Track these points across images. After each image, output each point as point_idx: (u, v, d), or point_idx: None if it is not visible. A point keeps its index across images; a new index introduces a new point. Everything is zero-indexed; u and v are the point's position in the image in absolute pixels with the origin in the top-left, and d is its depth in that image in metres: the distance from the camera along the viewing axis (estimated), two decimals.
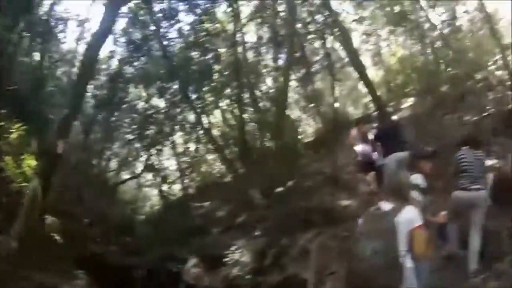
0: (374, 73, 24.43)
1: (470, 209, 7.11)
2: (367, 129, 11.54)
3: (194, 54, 20.88)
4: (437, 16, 20.45)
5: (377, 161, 10.35)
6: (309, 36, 20.76)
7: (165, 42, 19.16)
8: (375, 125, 12.07)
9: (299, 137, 21.90)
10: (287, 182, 15.14)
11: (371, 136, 10.95)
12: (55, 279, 10.22)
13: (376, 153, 10.56)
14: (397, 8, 20.81)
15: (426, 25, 20.26)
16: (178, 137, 26.52)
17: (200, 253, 13.44)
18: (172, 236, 16.02)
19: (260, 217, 14.33)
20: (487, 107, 13.29)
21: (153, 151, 24.91)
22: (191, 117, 23.05)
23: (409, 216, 4.73)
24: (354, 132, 11.85)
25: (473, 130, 11.28)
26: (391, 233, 4.56)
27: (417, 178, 6.78)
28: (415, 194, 6.53)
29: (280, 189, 15.14)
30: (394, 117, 16.05)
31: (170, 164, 27.89)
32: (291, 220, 12.40)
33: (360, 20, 22.48)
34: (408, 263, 4.59)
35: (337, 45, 21.60)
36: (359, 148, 11.36)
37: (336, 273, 8.80)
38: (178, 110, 22.76)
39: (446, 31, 20.24)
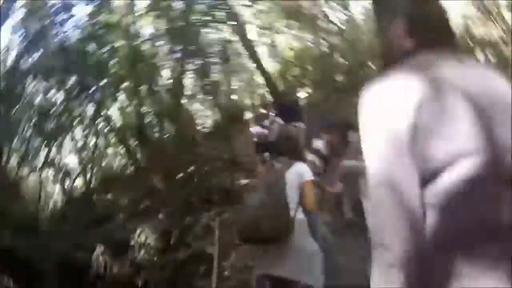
0: (271, 65, 25.36)
1: (359, 177, 7.84)
2: (262, 112, 12.36)
3: (91, 46, 20.64)
4: (332, 10, 21.49)
5: (272, 138, 11.12)
6: (206, 29, 21.15)
7: (61, 35, 18.84)
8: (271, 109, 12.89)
9: (197, 128, 22.34)
10: (187, 168, 15.59)
11: (271, 113, 11.74)
12: None
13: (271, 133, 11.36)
14: (292, 3, 21.65)
15: (321, 18, 21.19)
16: (78, 131, 26.09)
17: (106, 241, 13.71)
18: (78, 228, 15.99)
19: (163, 201, 14.72)
20: None
21: (52, 146, 24.35)
22: (90, 110, 22.84)
23: (300, 171, 4.90)
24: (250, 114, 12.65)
25: None
26: (279, 185, 4.64)
27: (318, 144, 7.27)
28: (314, 158, 7.00)
29: (181, 174, 15.58)
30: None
31: (71, 159, 27.33)
32: (193, 201, 12.96)
33: (256, 14, 23.22)
34: (300, 215, 4.71)
35: (234, 37, 22.19)
36: (255, 130, 12.15)
37: (239, 246, 9.46)
38: (77, 103, 22.41)
39: (340, 23, 21.35)
